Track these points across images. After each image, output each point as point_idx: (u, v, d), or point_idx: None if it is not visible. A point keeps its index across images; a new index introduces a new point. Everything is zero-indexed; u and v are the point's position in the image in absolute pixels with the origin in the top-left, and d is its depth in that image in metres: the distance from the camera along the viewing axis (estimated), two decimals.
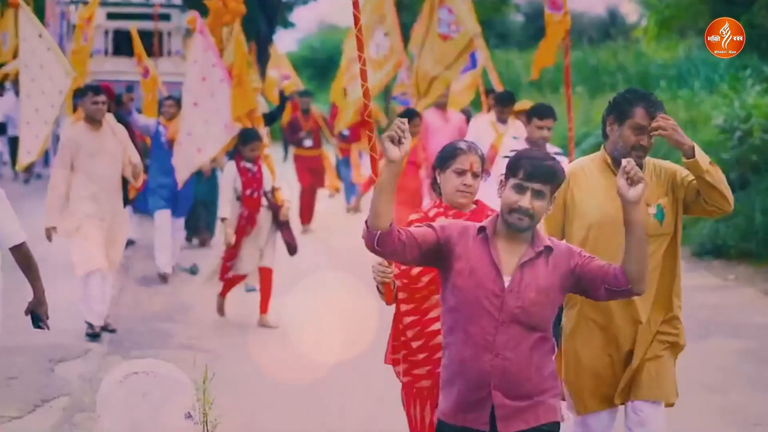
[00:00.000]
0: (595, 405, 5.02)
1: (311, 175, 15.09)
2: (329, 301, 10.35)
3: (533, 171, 3.95)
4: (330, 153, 16.62)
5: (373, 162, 4.89)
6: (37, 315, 5.49)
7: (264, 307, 9.59)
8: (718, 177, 4.73)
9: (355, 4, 4.74)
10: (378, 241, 3.92)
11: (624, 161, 4.01)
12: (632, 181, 3.96)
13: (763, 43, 17.20)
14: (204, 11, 11.12)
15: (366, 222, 3.95)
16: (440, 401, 4.20)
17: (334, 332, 9.24)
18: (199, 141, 9.99)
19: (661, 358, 4.95)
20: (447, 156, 4.75)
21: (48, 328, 5.52)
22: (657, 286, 4.89)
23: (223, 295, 9.82)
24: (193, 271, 11.82)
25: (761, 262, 12.07)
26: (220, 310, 9.83)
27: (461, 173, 4.69)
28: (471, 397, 4.02)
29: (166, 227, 11.49)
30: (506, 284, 3.97)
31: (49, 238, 8.56)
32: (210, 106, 9.86)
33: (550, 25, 9.28)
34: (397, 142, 3.87)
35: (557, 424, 4.10)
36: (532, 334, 3.99)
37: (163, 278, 11.28)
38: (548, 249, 4.03)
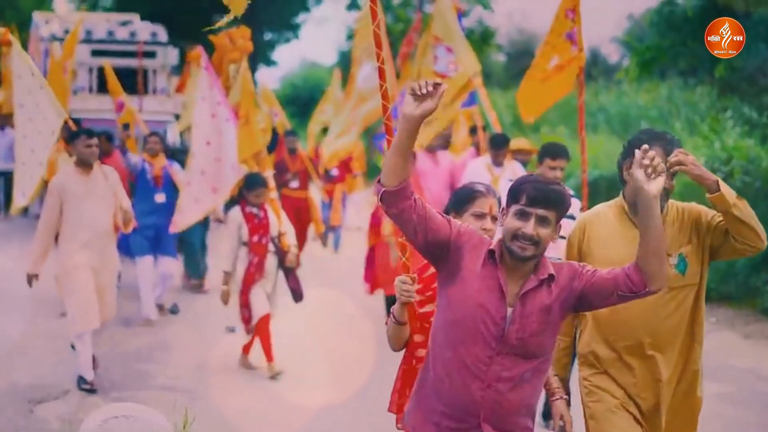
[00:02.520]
0: None
1: (297, 217, 15.01)
2: (314, 341, 10.31)
3: (537, 196, 3.76)
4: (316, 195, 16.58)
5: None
6: None
7: (247, 348, 9.44)
8: (747, 211, 4.48)
9: None
10: (382, 197, 3.68)
11: (643, 147, 3.70)
12: (654, 171, 3.68)
13: (743, 85, 17.38)
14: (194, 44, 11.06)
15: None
16: (411, 417, 4.00)
17: (321, 374, 9.21)
18: (213, 180, 9.74)
19: (681, 414, 4.80)
20: (464, 199, 4.46)
21: None
22: (681, 338, 4.67)
23: (269, 359, 9.15)
24: (173, 311, 11.76)
25: (741, 306, 12.11)
26: (272, 373, 9.11)
27: (480, 217, 4.40)
28: (456, 426, 3.84)
29: (148, 275, 11.20)
30: (508, 314, 3.76)
31: (29, 283, 8.43)
32: (220, 145, 9.66)
33: (573, 62, 8.51)
34: (420, 97, 3.61)
35: None
36: (528, 362, 3.79)
37: (148, 323, 11.12)
38: (551, 277, 3.81)
